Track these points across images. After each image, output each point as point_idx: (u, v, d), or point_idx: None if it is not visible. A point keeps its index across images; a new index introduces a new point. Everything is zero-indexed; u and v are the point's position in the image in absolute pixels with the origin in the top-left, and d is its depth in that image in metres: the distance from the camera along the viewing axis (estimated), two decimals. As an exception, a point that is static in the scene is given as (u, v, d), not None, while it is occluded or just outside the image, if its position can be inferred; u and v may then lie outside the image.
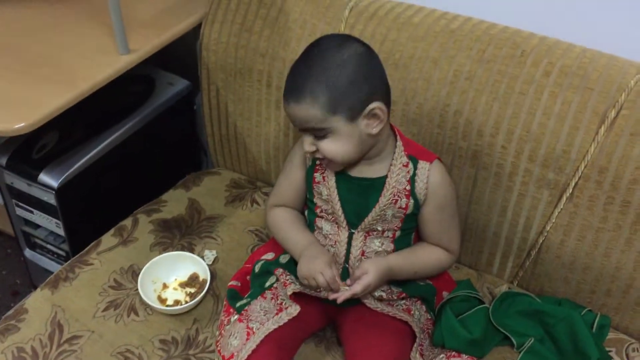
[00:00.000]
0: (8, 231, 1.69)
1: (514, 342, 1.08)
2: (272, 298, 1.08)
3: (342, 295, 0.98)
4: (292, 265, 1.11)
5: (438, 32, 1.16)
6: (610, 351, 1.08)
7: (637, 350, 1.10)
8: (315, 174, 1.06)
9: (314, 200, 1.08)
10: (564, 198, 1.09)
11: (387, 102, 0.97)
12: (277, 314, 1.05)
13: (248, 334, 1.03)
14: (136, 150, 1.48)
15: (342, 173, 1.04)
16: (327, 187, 1.05)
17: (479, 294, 1.15)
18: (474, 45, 1.13)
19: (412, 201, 1.02)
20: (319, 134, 0.96)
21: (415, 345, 1.06)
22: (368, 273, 1.00)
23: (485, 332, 1.07)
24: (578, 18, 1.15)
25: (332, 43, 0.95)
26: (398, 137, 1.03)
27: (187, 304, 1.13)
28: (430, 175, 1.02)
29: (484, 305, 1.12)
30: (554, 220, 1.11)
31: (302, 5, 1.27)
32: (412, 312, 1.08)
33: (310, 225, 1.10)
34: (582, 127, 1.04)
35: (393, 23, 1.20)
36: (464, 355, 1.05)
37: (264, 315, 1.06)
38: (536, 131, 1.07)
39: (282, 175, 1.14)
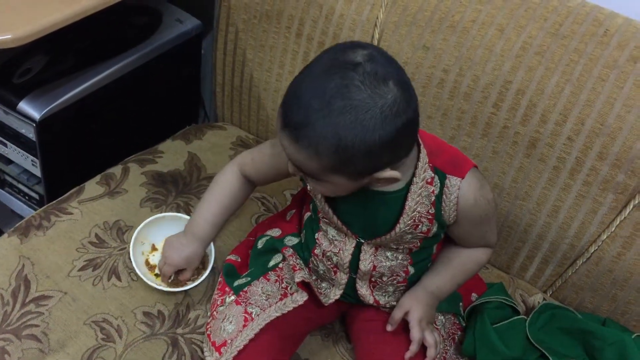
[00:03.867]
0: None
1: (552, 362, 0.94)
2: (276, 280, 0.92)
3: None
4: (299, 250, 0.95)
5: (508, -5, 1.00)
6: (657, 383, 0.95)
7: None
8: None
9: (316, 202, 0.88)
10: (631, 205, 0.94)
11: (408, 153, 0.76)
12: (281, 299, 0.90)
13: (246, 319, 0.87)
14: (132, 90, 1.30)
15: None
16: (318, 199, 0.86)
17: (514, 302, 1.01)
18: (550, 16, 0.97)
19: (435, 224, 0.83)
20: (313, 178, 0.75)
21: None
22: (411, 310, 0.86)
23: (523, 349, 0.93)
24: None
25: (366, 77, 0.67)
26: (422, 146, 0.80)
27: (184, 288, 0.96)
28: (461, 196, 0.81)
29: (521, 317, 0.98)
30: (613, 229, 0.97)
31: (351, -55, 1.09)
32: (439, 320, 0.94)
33: (315, 224, 0.91)
34: (668, 126, 0.90)
35: (454, -22, 1.03)
36: (496, 371, 0.91)
37: (266, 299, 0.90)
38: (612, 124, 0.92)
39: (270, 143, 0.94)
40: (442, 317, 0.95)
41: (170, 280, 0.96)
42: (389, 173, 0.73)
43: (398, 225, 0.82)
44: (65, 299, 0.93)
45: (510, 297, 1.02)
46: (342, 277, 0.90)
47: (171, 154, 1.20)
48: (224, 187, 0.97)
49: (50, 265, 0.97)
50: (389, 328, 0.89)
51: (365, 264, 0.88)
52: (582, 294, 1.05)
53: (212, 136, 1.27)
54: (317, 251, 0.92)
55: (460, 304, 0.98)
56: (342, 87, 0.67)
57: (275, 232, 1.00)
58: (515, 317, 0.97)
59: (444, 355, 0.93)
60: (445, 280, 0.91)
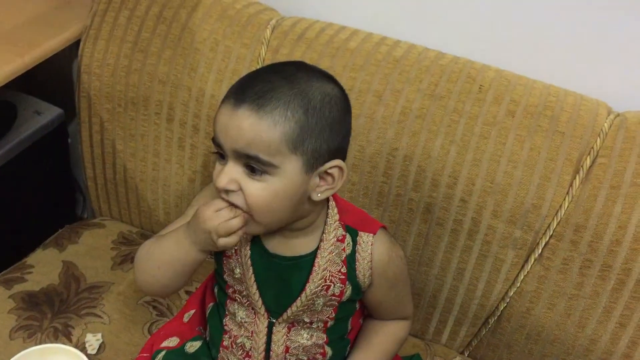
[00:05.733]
0: None
1: None
2: None
3: None
4: (202, 356, 0.86)
5: (380, 60, 0.97)
6: None
7: None
8: None
9: (225, 277, 0.82)
10: (532, 259, 0.93)
11: (342, 170, 0.74)
12: None
13: None
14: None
15: (258, 246, 0.79)
16: (241, 264, 0.79)
17: (434, 375, 0.96)
18: (424, 77, 0.95)
19: (349, 287, 0.79)
20: (257, 167, 0.69)
21: None
22: None
23: None
24: (525, 49, 1.01)
25: (319, 71, 0.74)
26: (332, 201, 0.79)
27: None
28: (374, 253, 0.78)
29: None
30: (518, 285, 0.95)
31: (212, 22, 1.03)
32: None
33: (221, 308, 0.84)
34: (554, 177, 0.89)
35: (325, 48, 0.99)
36: None
37: None
38: (501, 182, 0.91)
39: (179, 221, 0.85)
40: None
41: None
42: (338, 161, 0.72)
43: (308, 285, 0.77)
44: None
45: (429, 370, 0.97)
46: None
47: (43, 267, 1.07)
48: (151, 241, 0.83)
49: None
50: None
51: (277, 346, 0.81)
52: (499, 351, 1.02)
53: (89, 237, 1.15)
54: (225, 343, 0.83)
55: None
56: (300, 67, 0.73)
57: (172, 342, 0.90)
58: (438, 394, 0.92)
59: None
60: None
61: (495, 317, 0.99)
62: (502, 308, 0.98)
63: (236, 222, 0.71)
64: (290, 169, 0.69)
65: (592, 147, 0.89)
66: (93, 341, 0.95)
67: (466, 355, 1.06)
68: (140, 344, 0.95)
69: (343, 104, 0.73)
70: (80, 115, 1.13)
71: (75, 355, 0.90)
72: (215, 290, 0.86)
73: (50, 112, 1.28)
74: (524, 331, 0.97)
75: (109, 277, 1.07)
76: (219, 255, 0.81)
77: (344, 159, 0.74)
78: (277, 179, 0.69)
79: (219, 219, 0.71)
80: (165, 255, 0.78)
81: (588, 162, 0.89)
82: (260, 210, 0.71)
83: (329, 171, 0.72)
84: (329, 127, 0.70)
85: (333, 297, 0.78)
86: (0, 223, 1.22)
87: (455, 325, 1.03)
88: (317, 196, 0.73)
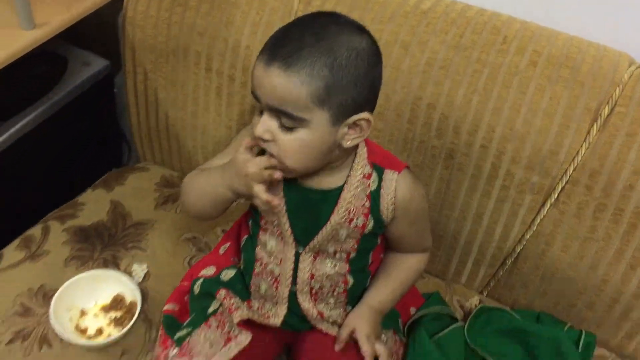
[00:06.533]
0: None
1: (494, 366, 0.97)
2: (217, 326, 0.91)
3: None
4: (237, 283, 0.94)
5: (408, 12, 1.01)
6: (593, 369, 0.99)
7: (620, 368, 1.02)
8: None
9: (259, 210, 0.89)
10: (548, 204, 0.98)
11: (371, 112, 0.80)
12: (225, 345, 0.88)
13: (192, 372, 0.86)
14: (45, 142, 1.25)
15: (291, 180, 0.85)
16: (275, 196, 0.85)
17: (451, 310, 1.03)
18: (450, 29, 0.99)
19: (371, 221, 0.85)
20: (288, 123, 0.75)
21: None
22: (357, 328, 0.88)
23: (463, 356, 0.95)
24: (552, 1, 1.04)
25: (350, 24, 0.77)
26: (361, 142, 0.83)
27: (115, 336, 0.93)
28: (398, 190, 0.84)
29: (458, 325, 1.00)
30: (535, 228, 1.00)
31: (248, -24, 1.08)
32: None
33: (254, 239, 0.92)
34: (572, 125, 0.93)
35: (355, 1, 1.04)
36: (441, 383, 0.92)
37: (210, 347, 0.88)
38: (521, 129, 0.95)
39: (218, 157, 0.93)
40: (384, 335, 0.96)
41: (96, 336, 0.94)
42: (365, 114, 0.77)
43: (333, 216, 0.83)
44: (-5, 378, 0.89)
45: (447, 305, 1.04)
46: (284, 291, 0.90)
47: (93, 205, 1.17)
48: (193, 175, 0.92)
49: (-25, 344, 0.93)
50: (336, 348, 0.89)
51: (303, 273, 0.88)
52: (515, 291, 1.08)
53: (135, 180, 1.24)
54: (257, 270, 0.91)
55: (399, 320, 0.99)
56: (331, 20, 0.76)
57: (209, 271, 0.98)
58: (453, 326, 0.99)
59: (390, 374, 0.94)
60: (386, 293, 0.92)
61: (512, 259, 1.05)
62: (518, 250, 1.03)
63: (269, 173, 0.78)
64: (319, 121, 0.75)
65: (611, 97, 0.92)
66: (139, 270, 1.05)
67: (484, 295, 1.12)
68: (181, 274, 1.04)
69: (371, 58, 0.76)
70: (125, 66, 1.20)
71: (123, 281, 1.00)
72: (250, 223, 0.93)
73: (97, 64, 1.35)
74: (539, 272, 1.03)
75: (152, 215, 1.16)
76: None
77: (372, 109, 0.79)
78: (308, 131, 0.76)
79: (254, 165, 0.78)
80: (203, 190, 0.87)
81: (606, 111, 0.92)
82: (292, 159, 0.78)
83: (357, 122, 0.77)
84: (354, 83, 0.74)
85: (356, 229, 0.85)
86: (54, 166, 1.31)
87: (474, 266, 1.09)
88: (347, 144, 0.79)
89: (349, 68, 0.74)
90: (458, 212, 1.04)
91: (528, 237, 1.01)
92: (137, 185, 1.23)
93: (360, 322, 0.88)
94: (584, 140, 0.93)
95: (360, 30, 0.78)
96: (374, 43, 0.78)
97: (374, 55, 0.77)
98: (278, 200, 0.81)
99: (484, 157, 0.98)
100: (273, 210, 0.84)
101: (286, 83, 0.73)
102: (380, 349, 0.87)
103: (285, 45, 0.74)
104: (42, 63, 1.29)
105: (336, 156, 0.82)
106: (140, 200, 1.19)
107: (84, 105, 1.33)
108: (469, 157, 0.99)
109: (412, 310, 1.03)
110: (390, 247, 0.95)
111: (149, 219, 1.15)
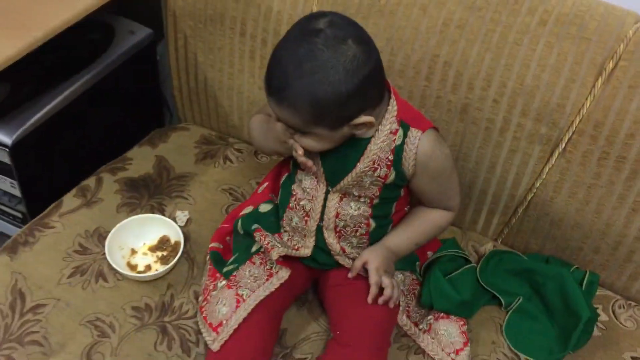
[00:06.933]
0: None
1: (502, 302, 1.05)
2: (261, 263, 1.02)
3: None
4: (271, 216, 1.06)
5: (426, -24, 1.08)
6: (597, 308, 1.07)
7: (623, 307, 1.09)
8: None
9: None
10: (556, 154, 1.05)
11: (379, 101, 0.89)
12: (267, 279, 1.00)
13: (238, 301, 0.97)
14: (95, 103, 1.37)
15: None
16: (309, 159, 0.96)
17: (465, 253, 1.12)
18: (465, -9, 1.06)
19: (393, 172, 0.94)
20: (298, 131, 0.88)
21: (401, 307, 1.02)
22: (369, 261, 0.97)
23: (474, 293, 1.04)
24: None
25: (333, 37, 0.81)
26: (393, 98, 0.92)
27: (161, 270, 1.05)
28: (420, 146, 0.92)
29: (471, 265, 1.09)
30: (544, 177, 1.08)
31: (279, -55, 1.17)
32: (396, 276, 1.04)
33: (292, 177, 1.03)
34: (578, 79, 1.00)
35: (378, -34, 1.11)
36: (452, 316, 1.02)
37: (254, 281, 1.00)
38: (530, 84, 1.02)
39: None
40: (401, 275, 1.05)
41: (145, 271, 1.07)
42: (363, 119, 0.86)
43: (359, 164, 0.93)
44: (59, 305, 1.02)
45: (461, 249, 1.13)
46: (313, 225, 1.00)
47: (140, 160, 1.29)
48: (254, 120, 1.07)
49: (40, 277, 1.06)
50: (349, 275, 1.00)
51: (330, 210, 0.99)
52: (527, 237, 1.16)
53: (177, 138, 1.36)
54: (291, 205, 1.02)
55: (417, 263, 1.09)
56: (309, 52, 0.81)
57: (248, 210, 1.10)
58: (467, 266, 1.08)
59: (407, 309, 1.04)
60: (402, 239, 1.02)
61: (524, 207, 1.12)
62: (529, 198, 1.11)
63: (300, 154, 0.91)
64: (320, 132, 0.87)
65: (616, 52, 0.98)
66: (181, 216, 1.17)
67: (499, 242, 1.20)
68: (220, 220, 1.16)
69: (355, 69, 0.81)
70: (167, 32, 1.31)
71: (168, 223, 1.12)
72: (291, 162, 1.03)
73: (141, 32, 1.46)
74: (547, 218, 1.10)
75: (193, 169, 1.28)
76: None
77: (375, 103, 0.88)
78: (316, 136, 0.88)
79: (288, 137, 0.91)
80: (259, 141, 1.05)
81: (611, 65, 0.99)
82: (313, 150, 0.91)
83: (358, 123, 0.86)
84: (339, 104, 0.82)
85: (378, 179, 0.94)
86: (104, 125, 1.44)
87: (489, 215, 1.17)
88: (358, 134, 0.89)
89: (327, 99, 0.82)
90: (473, 163, 1.12)
91: (538, 185, 1.09)
92: (179, 142, 1.34)
93: (373, 255, 0.98)
94: (589, 93, 1.00)
95: (344, 38, 0.81)
96: (360, 44, 0.82)
97: (357, 64, 0.81)
98: (311, 163, 0.92)
99: (496, 110, 1.06)
100: (309, 171, 0.96)
101: (281, 113, 0.86)
102: (386, 280, 0.96)
103: (273, 80, 0.85)
104: (94, 31, 1.41)
105: (360, 132, 0.90)
106: (182, 156, 1.30)
107: (129, 70, 1.44)
108: (482, 111, 1.07)
109: (429, 254, 1.12)
110: (416, 200, 1.04)
111: (189, 172, 1.27)
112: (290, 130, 0.88)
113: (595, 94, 0.99)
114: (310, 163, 0.92)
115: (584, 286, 1.06)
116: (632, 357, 1.02)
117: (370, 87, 0.85)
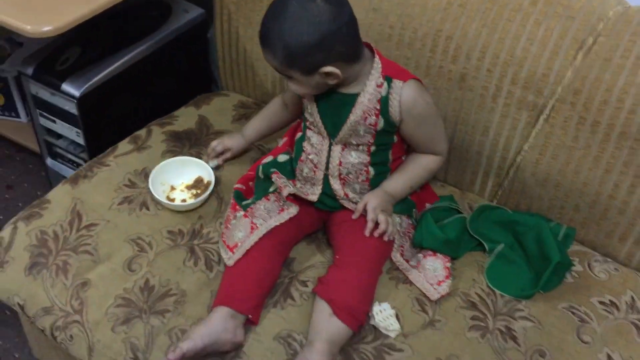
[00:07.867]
0: (31, 147, 1.81)
1: (486, 247, 1.19)
2: (275, 200, 1.20)
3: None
4: (287, 165, 1.23)
5: (436, -38, 1.24)
6: (574, 260, 1.19)
7: (599, 261, 1.21)
8: None
9: (305, 114, 1.18)
10: (541, 119, 1.18)
11: (348, 59, 1.04)
12: (279, 213, 1.17)
13: (252, 228, 1.15)
14: (151, 70, 1.59)
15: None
16: (310, 102, 1.14)
17: (459, 207, 1.26)
18: (468, -26, 1.21)
19: (382, 120, 1.10)
20: (284, 75, 1.07)
21: (396, 245, 1.17)
22: (368, 201, 1.14)
23: (460, 236, 1.18)
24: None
25: None
26: (377, 58, 1.09)
27: (195, 201, 1.24)
28: (403, 94, 1.08)
29: (462, 215, 1.23)
30: (531, 140, 1.21)
31: None
32: (394, 218, 1.19)
33: (304, 135, 1.20)
34: (561, 52, 1.13)
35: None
36: (439, 254, 1.16)
37: (267, 213, 1.17)
38: (519, 55, 1.16)
39: None
40: (399, 218, 1.20)
41: (183, 201, 1.26)
42: (329, 68, 1.02)
43: (351, 115, 1.10)
44: (108, 225, 1.23)
45: (457, 203, 1.27)
46: (320, 174, 1.17)
47: (185, 117, 1.49)
48: (269, 107, 1.34)
49: (95, 203, 1.27)
50: (353, 216, 1.15)
51: (334, 159, 1.15)
52: (517, 197, 1.29)
53: (218, 102, 1.55)
54: (302, 158, 1.20)
55: (414, 210, 1.24)
56: (283, 7, 1.00)
57: (269, 159, 1.28)
58: (457, 215, 1.22)
59: (401, 247, 1.19)
60: (398, 182, 1.18)
61: (514, 168, 1.26)
62: (519, 160, 1.24)
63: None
64: (297, 75, 1.05)
65: (596, 29, 1.11)
66: (215, 162, 1.35)
67: (494, 202, 1.34)
68: (247, 168, 1.34)
69: (323, 22, 0.98)
70: (215, 8, 1.51)
71: (202, 166, 1.31)
72: (302, 124, 1.22)
73: (195, 12, 1.67)
74: (534, 179, 1.23)
75: (229, 127, 1.47)
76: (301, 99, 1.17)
77: (342, 58, 1.02)
78: (296, 80, 1.06)
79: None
80: (263, 111, 1.36)
81: (590, 40, 1.12)
82: (301, 93, 1.12)
83: (326, 73, 1.03)
84: (306, 50, 0.99)
85: (370, 126, 1.11)
86: (158, 87, 1.65)
87: (484, 176, 1.31)
88: (330, 83, 1.06)
89: (295, 45, 0.99)
90: (470, 127, 1.26)
91: (526, 147, 1.22)
92: (220, 105, 1.54)
93: (372, 197, 1.14)
94: (570, 65, 1.13)
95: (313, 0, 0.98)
96: (328, 4, 0.98)
97: (326, 17, 0.98)
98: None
99: (490, 79, 1.20)
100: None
101: (266, 56, 1.06)
102: (381, 217, 1.12)
103: (261, 29, 1.04)
104: (153, 8, 1.63)
105: (338, 83, 1.07)
106: (220, 116, 1.50)
107: (182, 44, 1.65)
108: (478, 80, 1.21)
109: (427, 205, 1.27)
110: (410, 148, 1.20)
111: (226, 129, 1.46)
112: (283, 76, 1.08)
113: (575, 66, 1.12)
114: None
115: (560, 237, 1.18)
116: (599, 301, 1.13)
117: (337, 43, 1.01)
